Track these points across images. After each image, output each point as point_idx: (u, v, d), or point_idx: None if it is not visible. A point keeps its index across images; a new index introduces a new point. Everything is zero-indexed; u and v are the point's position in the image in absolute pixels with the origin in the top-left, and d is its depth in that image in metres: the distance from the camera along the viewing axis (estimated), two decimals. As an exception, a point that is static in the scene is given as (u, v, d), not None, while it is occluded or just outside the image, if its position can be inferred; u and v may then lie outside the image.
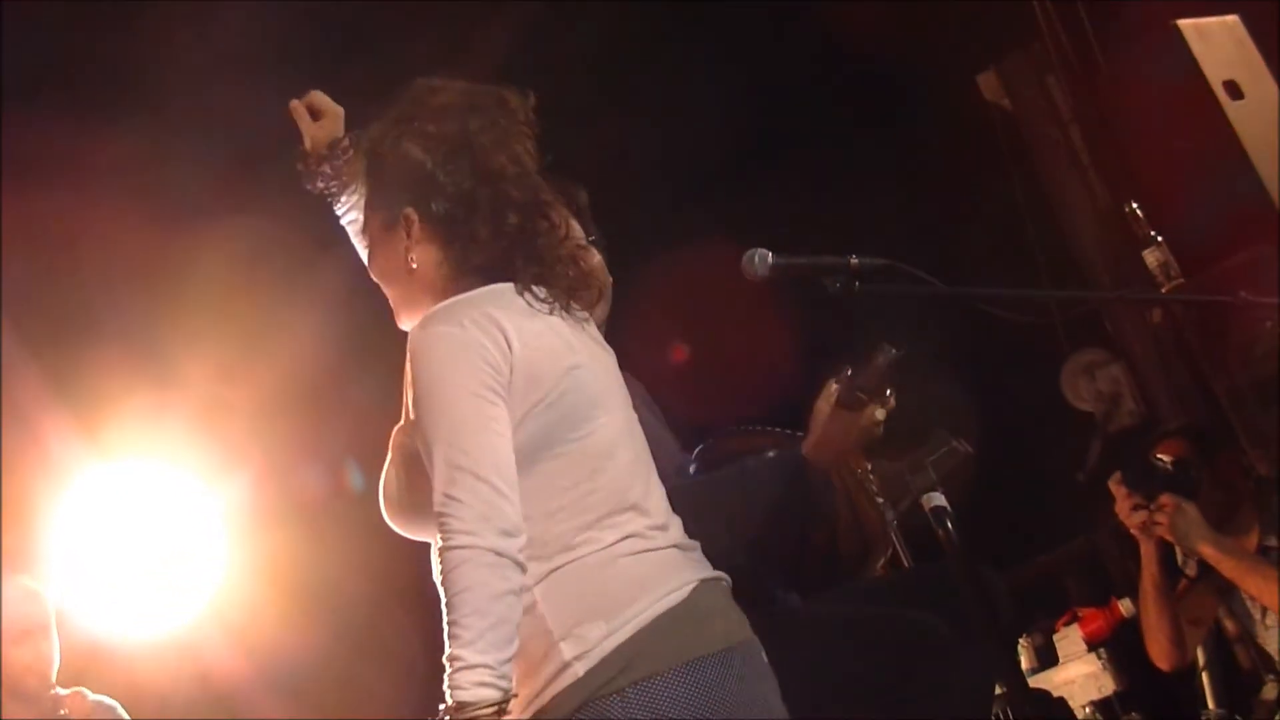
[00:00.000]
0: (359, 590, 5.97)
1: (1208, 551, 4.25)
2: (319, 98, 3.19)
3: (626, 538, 2.54)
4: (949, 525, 3.20)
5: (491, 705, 2.34)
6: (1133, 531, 4.34)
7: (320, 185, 3.13)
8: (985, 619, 3.11)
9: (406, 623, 5.79)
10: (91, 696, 4.50)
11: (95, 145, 5.08)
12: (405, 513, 2.64)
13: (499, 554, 2.38)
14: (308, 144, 3.14)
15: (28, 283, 5.27)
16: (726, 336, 6.56)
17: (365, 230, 2.80)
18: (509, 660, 2.38)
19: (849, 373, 2.64)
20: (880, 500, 3.29)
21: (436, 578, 2.48)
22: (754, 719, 2.50)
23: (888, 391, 2.61)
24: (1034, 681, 5.94)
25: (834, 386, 2.78)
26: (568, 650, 2.44)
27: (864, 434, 2.74)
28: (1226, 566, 4.25)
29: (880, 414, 2.65)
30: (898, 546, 4.04)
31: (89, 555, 5.44)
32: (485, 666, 2.35)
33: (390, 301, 2.80)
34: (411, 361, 2.54)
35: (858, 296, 2.81)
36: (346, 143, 3.08)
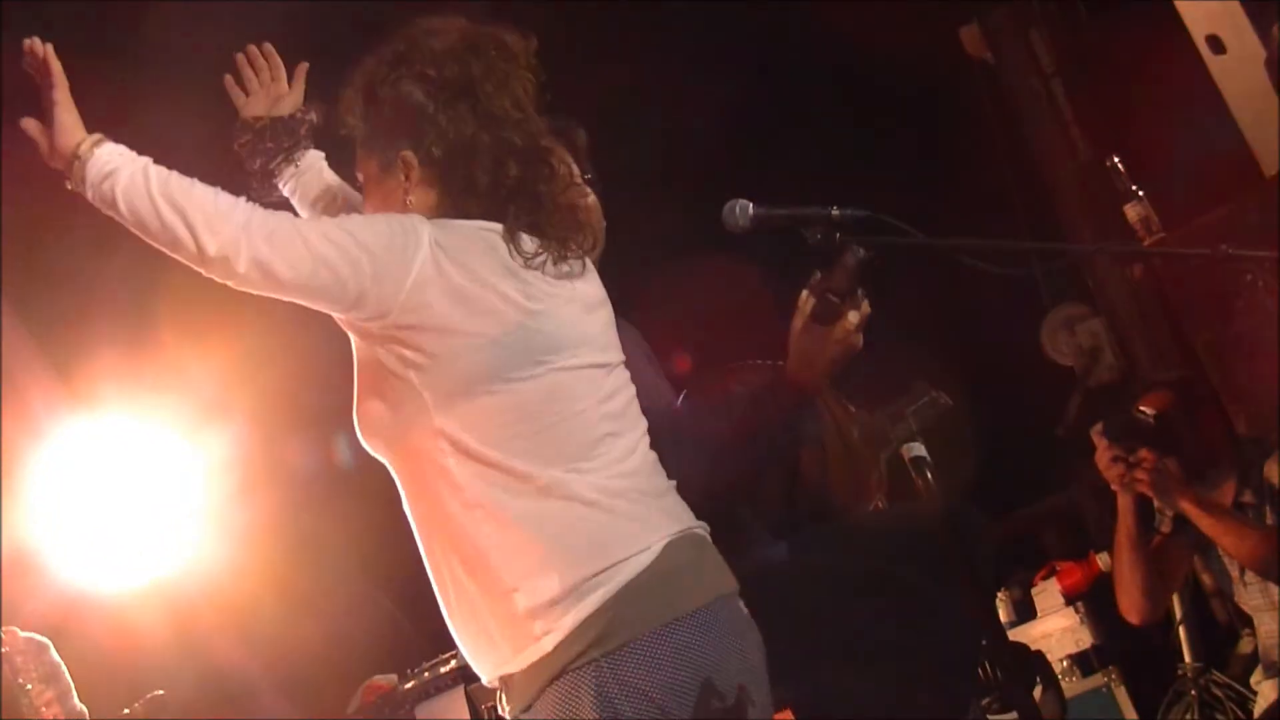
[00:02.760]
0: (340, 546, 5.98)
1: (1187, 507, 4.25)
2: (271, 52, 3.10)
3: (591, 486, 2.50)
4: (929, 475, 3.21)
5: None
6: (1111, 484, 4.34)
7: (263, 161, 3.03)
8: (967, 569, 3.12)
9: (385, 579, 5.81)
10: (22, 634, 4.46)
11: (85, 97, 5.04)
12: (386, 428, 2.57)
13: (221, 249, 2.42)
14: (255, 110, 3.04)
15: (12, 241, 5.24)
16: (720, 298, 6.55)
17: (361, 170, 2.77)
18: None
19: (818, 276, 2.60)
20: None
21: (406, 509, 2.53)
22: (731, 676, 2.46)
23: (859, 292, 2.56)
24: (1012, 635, 5.96)
25: (806, 298, 2.74)
26: (522, 601, 2.41)
27: (842, 347, 2.69)
28: (1205, 523, 4.26)
29: (854, 319, 2.60)
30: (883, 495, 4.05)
31: (69, 508, 5.43)
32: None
33: None
34: None
35: (838, 248, 2.80)
36: (313, 115, 3.02)
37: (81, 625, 5.00)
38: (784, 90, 6.75)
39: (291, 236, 2.45)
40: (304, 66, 3.09)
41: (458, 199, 2.63)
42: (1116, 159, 5.80)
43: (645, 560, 2.45)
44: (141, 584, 5.60)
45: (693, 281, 6.16)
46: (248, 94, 3.09)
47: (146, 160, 2.51)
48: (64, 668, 4.28)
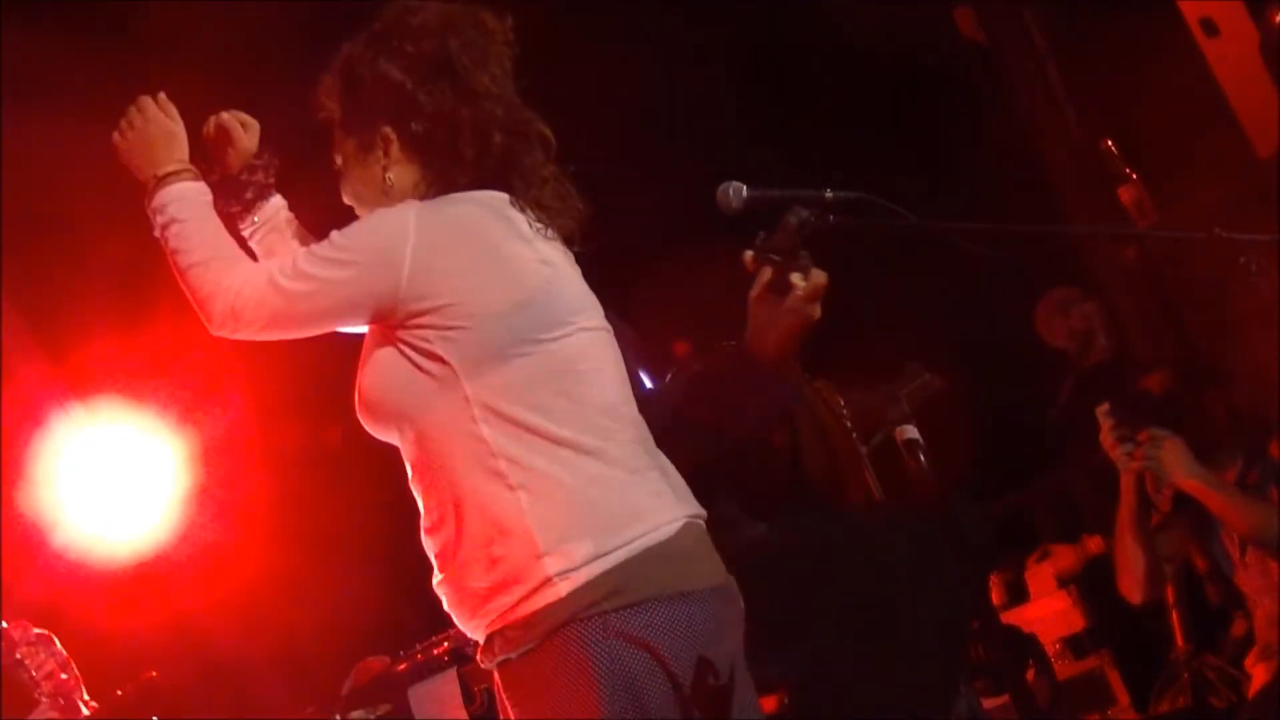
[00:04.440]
0: (333, 528, 5.98)
1: (1194, 486, 4.23)
2: (240, 114, 3.05)
3: (624, 454, 2.55)
4: (921, 457, 3.22)
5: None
6: (1115, 463, 4.33)
7: (241, 203, 3.01)
8: (961, 553, 3.13)
9: (378, 560, 5.81)
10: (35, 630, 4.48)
11: (76, 74, 5.04)
12: (403, 405, 2.58)
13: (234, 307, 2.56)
14: (235, 161, 2.98)
15: (9, 228, 5.24)
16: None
17: (339, 152, 2.78)
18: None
19: (761, 236, 2.59)
20: (854, 434, 3.30)
21: (416, 482, 2.56)
22: (726, 657, 2.51)
23: (802, 253, 2.54)
24: (1005, 617, 5.98)
25: (753, 262, 2.72)
26: (551, 565, 2.43)
27: (796, 317, 2.68)
28: (1213, 502, 4.25)
29: (799, 282, 2.58)
30: (869, 478, 4.06)
31: (65, 491, 5.43)
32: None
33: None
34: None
35: (832, 229, 2.80)
36: (268, 156, 2.99)
37: (75, 607, 5.00)
38: (779, 72, 6.75)
39: (265, 294, 2.56)
40: (254, 124, 3.03)
41: (442, 173, 2.65)
42: (1110, 141, 5.80)
43: (668, 532, 2.50)
44: (134, 566, 5.60)
45: (686, 264, 6.17)
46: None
47: (176, 222, 2.68)
48: (71, 665, 4.31)
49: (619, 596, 2.42)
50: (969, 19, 6.80)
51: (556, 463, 2.49)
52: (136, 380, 5.62)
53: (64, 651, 4.29)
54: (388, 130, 2.68)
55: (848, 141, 6.50)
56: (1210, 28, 5.56)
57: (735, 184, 2.84)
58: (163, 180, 2.71)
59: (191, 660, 5.61)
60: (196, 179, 2.75)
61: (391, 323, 2.53)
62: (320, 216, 3.05)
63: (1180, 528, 4.48)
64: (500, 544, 2.46)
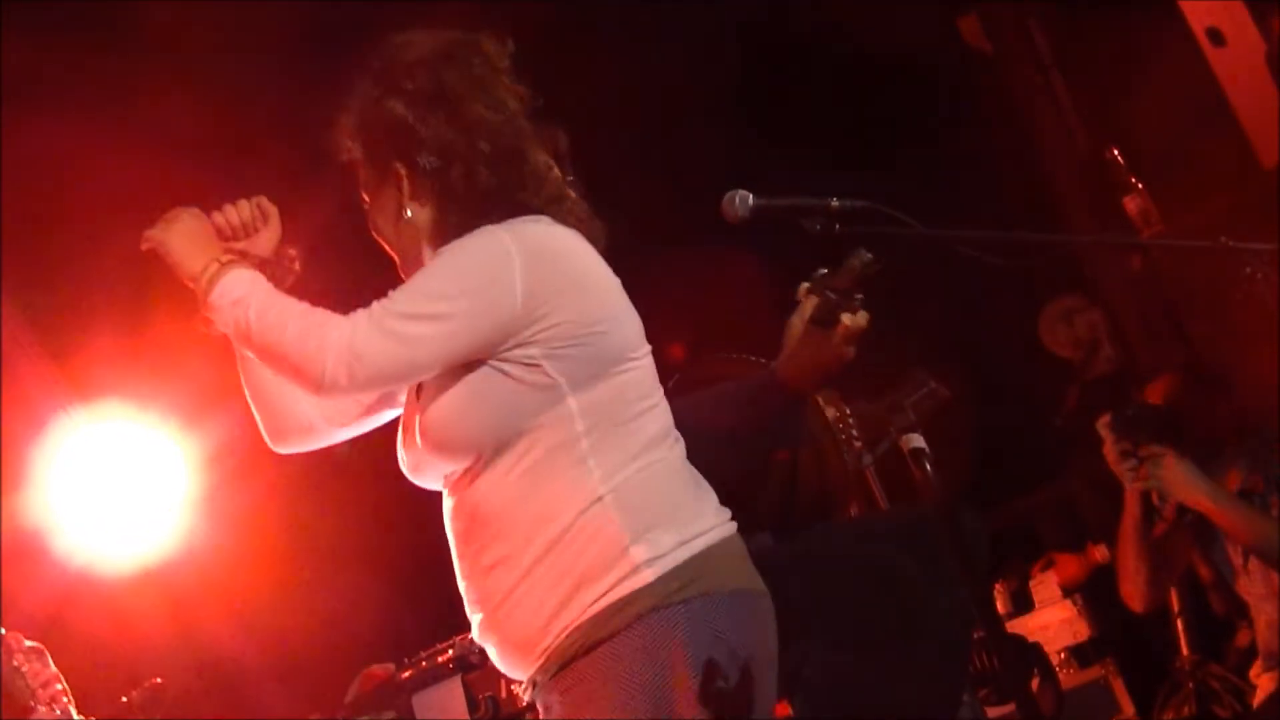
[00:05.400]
0: (337, 535, 5.98)
1: (1202, 503, 4.22)
2: (265, 202, 2.91)
3: (680, 461, 2.63)
4: (927, 467, 3.21)
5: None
6: (1120, 478, 4.32)
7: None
8: (960, 561, 3.12)
9: (383, 567, 5.82)
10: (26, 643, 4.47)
11: (78, 75, 5.04)
12: (483, 433, 2.58)
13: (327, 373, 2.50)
14: (267, 246, 2.82)
15: (11, 231, 5.24)
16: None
17: (364, 190, 2.80)
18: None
19: (822, 272, 2.61)
20: (859, 443, 3.29)
21: (481, 494, 2.57)
22: (771, 656, 2.57)
23: (858, 295, 2.56)
24: (1009, 627, 5.98)
25: (806, 293, 2.74)
26: (638, 554, 2.48)
27: (835, 354, 2.70)
28: (1218, 517, 4.25)
29: (849, 323, 2.60)
30: (873, 488, 4.05)
31: (66, 496, 5.43)
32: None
33: (394, 258, 2.80)
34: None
35: (837, 238, 2.81)
36: (293, 253, 2.87)
37: (79, 613, 5.00)
38: (783, 80, 6.75)
39: (382, 343, 2.52)
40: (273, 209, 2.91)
41: (458, 203, 2.67)
42: (1115, 150, 5.81)
43: (730, 530, 2.60)
44: (139, 572, 5.59)
45: (692, 273, 6.17)
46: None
47: (248, 302, 2.59)
48: (62, 679, 4.30)
49: (698, 584, 2.48)
50: (974, 28, 6.80)
51: (642, 469, 2.55)
52: (139, 385, 5.61)
53: (55, 668, 4.30)
54: (398, 167, 2.70)
55: (852, 150, 6.50)
56: (1216, 37, 5.56)
57: (741, 192, 2.85)
58: (226, 266, 2.63)
59: (196, 667, 5.61)
60: (250, 269, 2.68)
61: (496, 351, 2.54)
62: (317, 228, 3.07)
63: (1183, 535, 4.48)
64: (590, 548, 2.50)
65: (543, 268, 2.55)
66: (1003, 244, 3.25)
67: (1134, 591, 4.49)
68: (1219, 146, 5.54)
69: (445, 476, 2.65)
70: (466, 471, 2.59)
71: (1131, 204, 5.75)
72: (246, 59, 5.18)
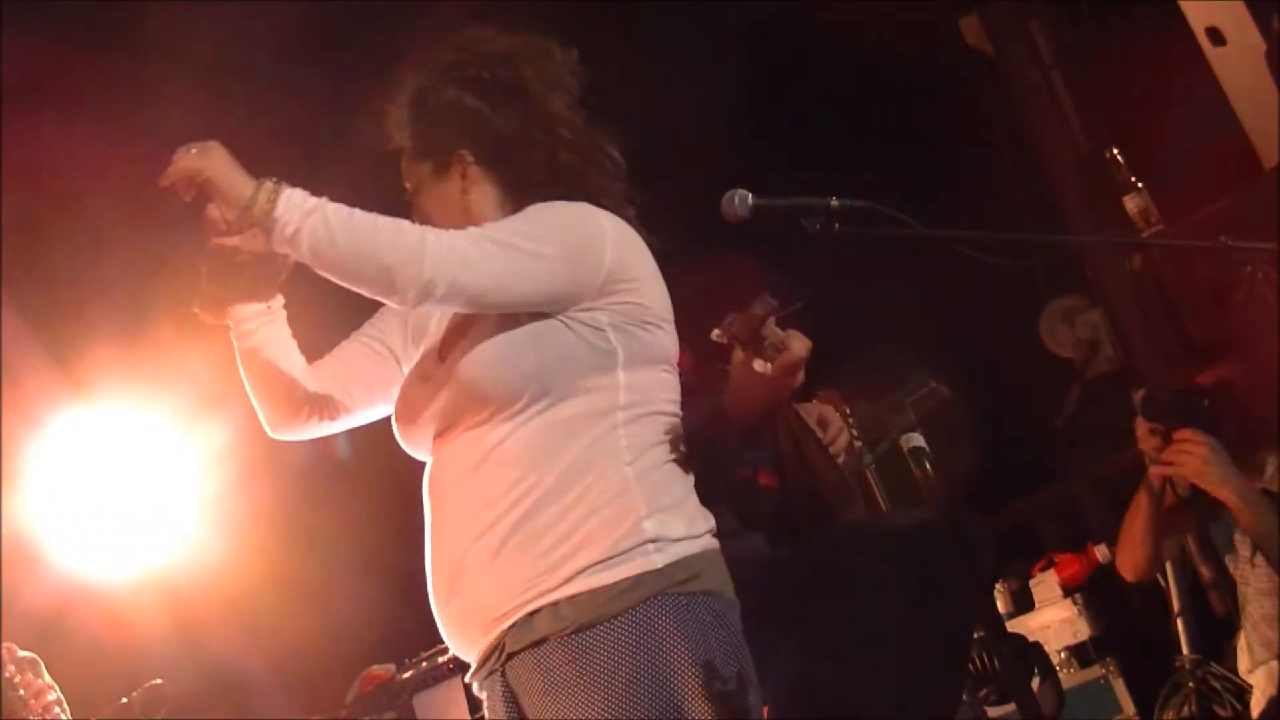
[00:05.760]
0: (338, 536, 5.97)
1: (1229, 498, 4.20)
2: None
3: (689, 465, 2.70)
4: (927, 466, 3.21)
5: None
6: (1145, 457, 4.29)
7: (228, 296, 2.83)
8: (962, 562, 3.12)
9: (383, 569, 5.81)
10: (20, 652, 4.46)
11: (78, 79, 5.04)
12: (538, 374, 2.59)
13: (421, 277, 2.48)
14: (260, 249, 2.66)
15: (12, 233, 5.24)
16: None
17: (409, 179, 2.85)
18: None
19: (730, 318, 2.60)
20: (859, 443, 3.29)
21: (497, 437, 2.59)
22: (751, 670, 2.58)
23: (765, 343, 2.54)
24: (1010, 627, 5.97)
25: (720, 335, 2.73)
26: (650, 529, 2.53)
27: (766, 390, 2.71)
28: (1244, 515, 4.22)
29: (762, 368, 2.59)
30: (874, 489, 4.05)
31: (67, 498, 5.43)
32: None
33: None
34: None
35: (837, 238, 2.81)
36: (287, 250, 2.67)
37: (80, 615, 5.00)
38: (783, 80, 6.74)
39: (482, 253, 2.54)
40: None
41: (520, 191, 2.76)
42: (1116, 150, 5.80)
43: (716, 542, 2.67)
44: (139, 574, 5.59)
45: (690, 272, 6.16)
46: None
47: (323, 209, 2.51)
48: (56, 689, 4.30)
49: (701, 581, 2.54)
50: (975, 28, 6.79)
51: (664, 460, 2.63)
52: (139, 386, 5.61)
53: (49, 678, 4.30)
54: (465, 154, 2.78)
55: (852, 150, 6.49)
56: (1217, 37, 5.56)
57: (741, 192, 2.86)
58: (281, 183, 2.54)
59: (196, 668, 5.61)
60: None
61: (563, 309, 2.61)
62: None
63: (1189, 513, 4.47)
64: (604, 509, 2.53)
65: (630, 251, 2.67)
66: (1003, 244, 3.26)
67: (1132, 562, 4.48)
68: (1219, 146, 5.53)
69: (447, 428, 2.66)
70: (493, 415, 2.59)
71: (1131, 204, 5.74)
72: (249, 61, 5.19)
